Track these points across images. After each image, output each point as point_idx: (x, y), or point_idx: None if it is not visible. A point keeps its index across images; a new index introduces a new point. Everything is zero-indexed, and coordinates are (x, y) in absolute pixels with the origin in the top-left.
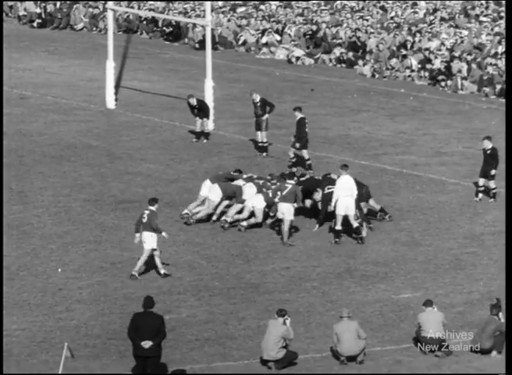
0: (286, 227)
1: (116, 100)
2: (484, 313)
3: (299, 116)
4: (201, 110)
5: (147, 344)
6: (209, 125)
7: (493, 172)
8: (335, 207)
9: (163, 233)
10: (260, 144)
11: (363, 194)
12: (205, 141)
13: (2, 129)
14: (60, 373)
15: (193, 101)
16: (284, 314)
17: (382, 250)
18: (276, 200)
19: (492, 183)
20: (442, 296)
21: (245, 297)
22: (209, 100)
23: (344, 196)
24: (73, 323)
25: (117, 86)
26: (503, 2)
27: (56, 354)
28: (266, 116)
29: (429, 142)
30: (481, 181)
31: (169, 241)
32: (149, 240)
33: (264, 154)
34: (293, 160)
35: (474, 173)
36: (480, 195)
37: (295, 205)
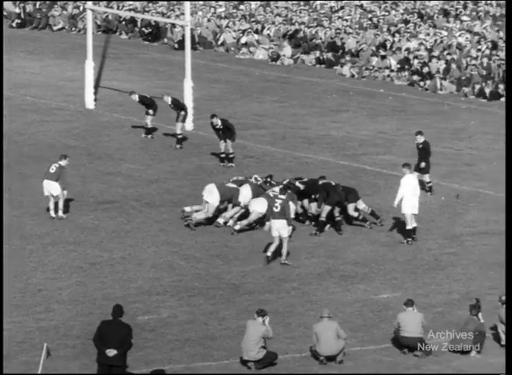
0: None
1: (95, 100)
2: (463, 313)
3: (422, 139)
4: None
5: (111, 352)
6: (188, 126)
7: (423, 165)
8: (401, 207)
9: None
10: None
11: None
12: (178, 146)
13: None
14: (40, 373)
15: (168, 100)
16: (264, 314)
17: (362, 250)
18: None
19: (426, 177)
20: (421, 296)
21: (225, 297)
22: (188, 100)
23: (411, 195)
24: (53, 324)
25: (96, 86)
26: (482, 2)
27: (36, 354)
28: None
29: (409, 142)
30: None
31: (149, 241)
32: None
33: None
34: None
35: (454, 173)
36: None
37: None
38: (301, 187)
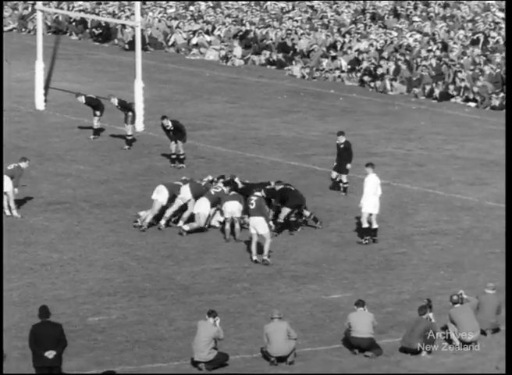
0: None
1: (46, 101)
2: (414, 313)
3: (343, 140)
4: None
5: (51, 354)
6: (138, 126)
7: (349, 166)
8: (361, 205)
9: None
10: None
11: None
12: (127, 147)
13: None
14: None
15: (115, 102)
16: (214, 315)
17: (313, 250)
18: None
19: (344, 178)
20: (372, 296)
21: (175, 298)
22: (139, 101)
23: (372, 195)
24: (4, 326)
25: (46, 87)
26: (432, 3)
27: None
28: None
29: (359, 143)
30: (334, 174)
31: (99, 242)
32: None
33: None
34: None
35: (404, 174)
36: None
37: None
38: (239, 185)
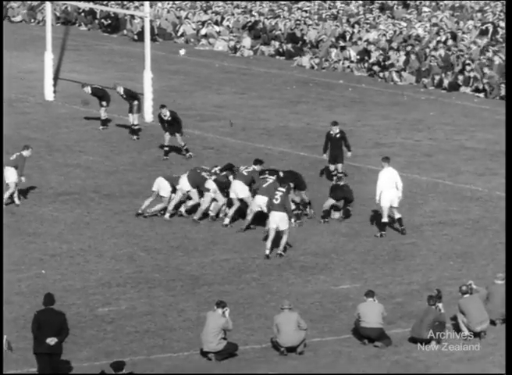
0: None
1: (55, 92)
2: (423, 304)
3: (337, 130)
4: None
5: (52, 341)
6: (147, 117)
7: (349, 154)
8: (379, 200)
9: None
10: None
11: (301, 183)
12: (134, 137)
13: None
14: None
15: (121, 90)
16: (223, 306)
17: (322, 241)
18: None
19: (340, 167)
20: (381, 287)
21: (185, 289)
22: (148, 91)
23: (389, 188)
24: (12, 316)
25: (55, 78)
26: None
27: None
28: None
29: (368, 133)
30: (332, 167)
31: (108, 232)
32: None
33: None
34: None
35: (413, 164)
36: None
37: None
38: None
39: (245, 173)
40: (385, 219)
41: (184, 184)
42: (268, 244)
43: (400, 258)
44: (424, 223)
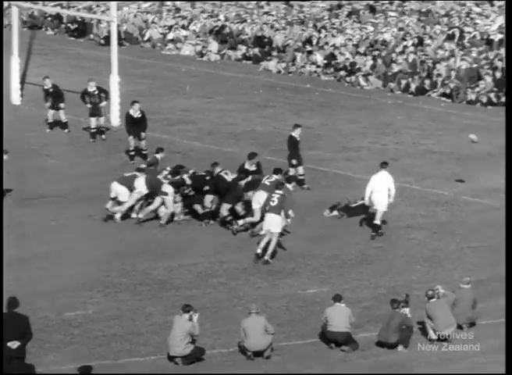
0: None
1: (22, 96)
2: (390, 308)
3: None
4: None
5: (14, 344)
6: (114, 121)
7: (294, 161)
8: (370, 202)
9: None
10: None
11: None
12: (103, 136)
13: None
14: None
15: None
16: (189, 310)
17: (289, 245)
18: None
19: (301, 169)
20: (348, 291)
21: (152, 293)
22: (115, 95)
23: (376, 192)
24: None
25: (22, 82)
26: None
27: None
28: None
29: (335, 137)
30: (301, 169)
31: (75, 237)
32: None
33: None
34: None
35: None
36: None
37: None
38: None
39: (268, 183)
40: (377, 221)
41: (141, 186)
42: (262, 244)
43: (367, 262)
44: (392, 227)
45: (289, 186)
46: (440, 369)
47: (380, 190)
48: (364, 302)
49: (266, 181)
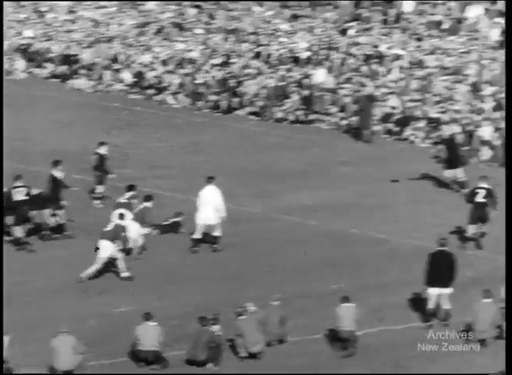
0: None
1: None
2: (198, 325)
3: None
4: None
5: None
6: None
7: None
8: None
9: None
10: None
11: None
12: None
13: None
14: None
15: None
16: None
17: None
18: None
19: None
20: (158, 309)
21: None
22: None
23: (202, 206)
24: None
25: None
26: (217, 15)
27: None
28: None
29: (144, 156)
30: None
31: None
32: None
33: None
34: None
35: (192, 186)
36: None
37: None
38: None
39: (122, 201)
40: (197, 236)
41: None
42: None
43: (176, 280)
44: (203, 246)
45: (147, 204)
46: None
47: (208, 204)
48: (173, 320)
49: (121, 199)
